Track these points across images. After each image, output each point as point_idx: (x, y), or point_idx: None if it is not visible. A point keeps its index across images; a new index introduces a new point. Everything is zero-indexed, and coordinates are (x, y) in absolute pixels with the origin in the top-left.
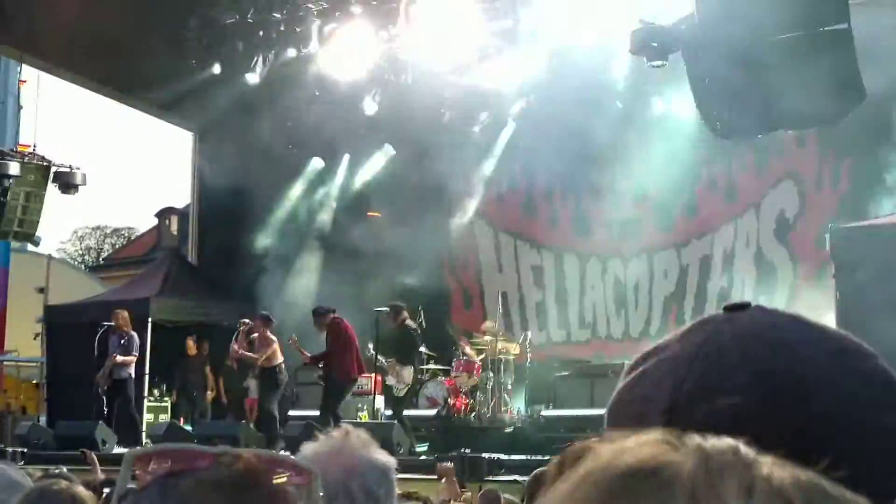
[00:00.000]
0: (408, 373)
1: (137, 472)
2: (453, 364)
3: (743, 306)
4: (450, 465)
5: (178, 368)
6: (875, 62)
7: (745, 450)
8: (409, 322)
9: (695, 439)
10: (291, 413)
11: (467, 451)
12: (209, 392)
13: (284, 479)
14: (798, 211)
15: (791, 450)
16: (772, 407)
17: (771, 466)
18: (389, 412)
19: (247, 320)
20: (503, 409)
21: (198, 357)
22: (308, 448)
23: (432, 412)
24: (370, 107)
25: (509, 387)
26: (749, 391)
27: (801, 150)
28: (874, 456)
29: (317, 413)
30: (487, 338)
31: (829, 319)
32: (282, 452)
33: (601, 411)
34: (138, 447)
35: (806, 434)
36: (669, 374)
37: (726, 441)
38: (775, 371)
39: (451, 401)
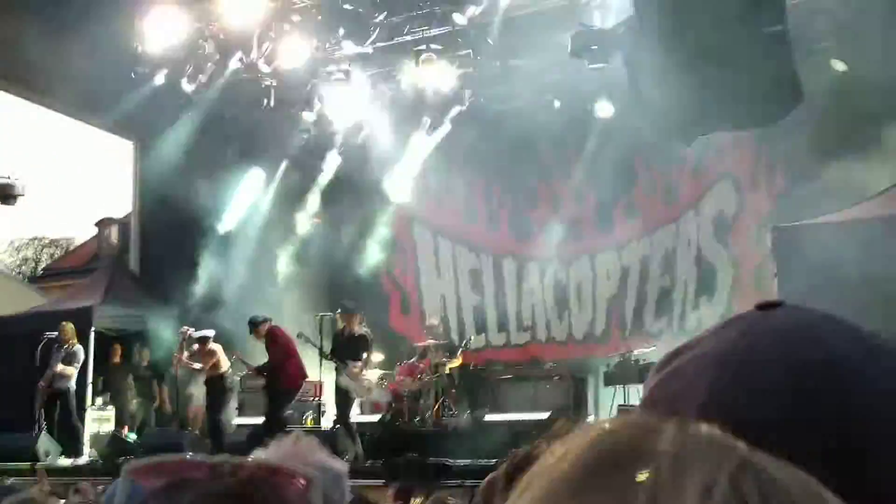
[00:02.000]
0: (369, 379)
1: (136, 483)
2: (396, 368)
3: (776, 304)
4: None
5: (104, 376)
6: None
7: (720, 441)
8: (361, 327)
9: (674, 427)
10: (236, 421)
11: (414, 455)
12: (134, 399)
13: (285, 487)
14: (736, 211)
15: (828, 445)
16: (808, 402)
17: (737, 468)
18: (334, 418)
19: (187, 328)
20: (447, 413)
21: (120, 364)
22: (258, 455)
23: (376, 417)
24: (309, 115)
25: (452, 391)
26: (785, 386)
27: (737, 150)
28: None
29: (262, 420)
30: (430, 341)
31: None
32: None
33: (544, 414)
34: (137, 459)
35: (843, 430)
36: (704, 371)
37: (705, 432)
38: (811, 366)
39: (394, 405)
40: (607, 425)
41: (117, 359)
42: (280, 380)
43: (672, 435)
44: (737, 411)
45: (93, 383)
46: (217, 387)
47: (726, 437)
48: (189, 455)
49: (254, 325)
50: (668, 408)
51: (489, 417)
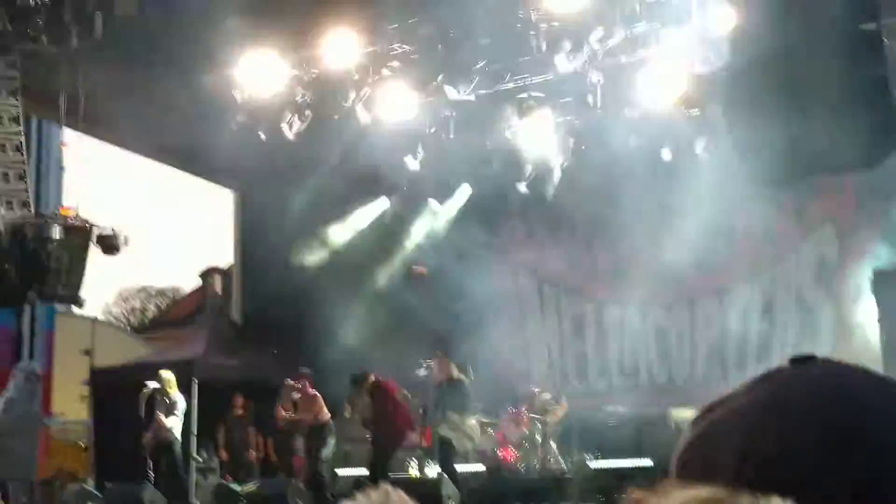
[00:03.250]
0: (472, 427)
1: None
2: (502, 416)
3: (808, 359)
4: None
5: (224, 427)
6: None
7: None
8: (459, 373)
9: (747, 501)
10: (340, 471)
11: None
12: (255, 451)
13: None
14: (837, 255)
15: (857, 501)
16: (840, 461)
17: None
18: (439, 467)
19: (291, 381)
20: (551, 459)
21: (244, 416)
22: None
23: (482, 465)
24: (413, 162)
25: (557, 437)
26: (817, 445)
27: (837, 193)
28: None
29: (366, 471)
30: (536, 389)
31: (875, 365)
32: None
33: (649, 460)
34: None
35: (875, 489)
36: (738, 426)
37: None
38: (843, 424)
39: (500, 453)
40: (681, 498)
41: (240, 410)
42: (384, 432)
43: None
44: (769, 466)
45: (197, 433)
46: (318, 436)
47: None
48: None
49: (356, 381)
50: (703, 462)
51: (594, 464)
